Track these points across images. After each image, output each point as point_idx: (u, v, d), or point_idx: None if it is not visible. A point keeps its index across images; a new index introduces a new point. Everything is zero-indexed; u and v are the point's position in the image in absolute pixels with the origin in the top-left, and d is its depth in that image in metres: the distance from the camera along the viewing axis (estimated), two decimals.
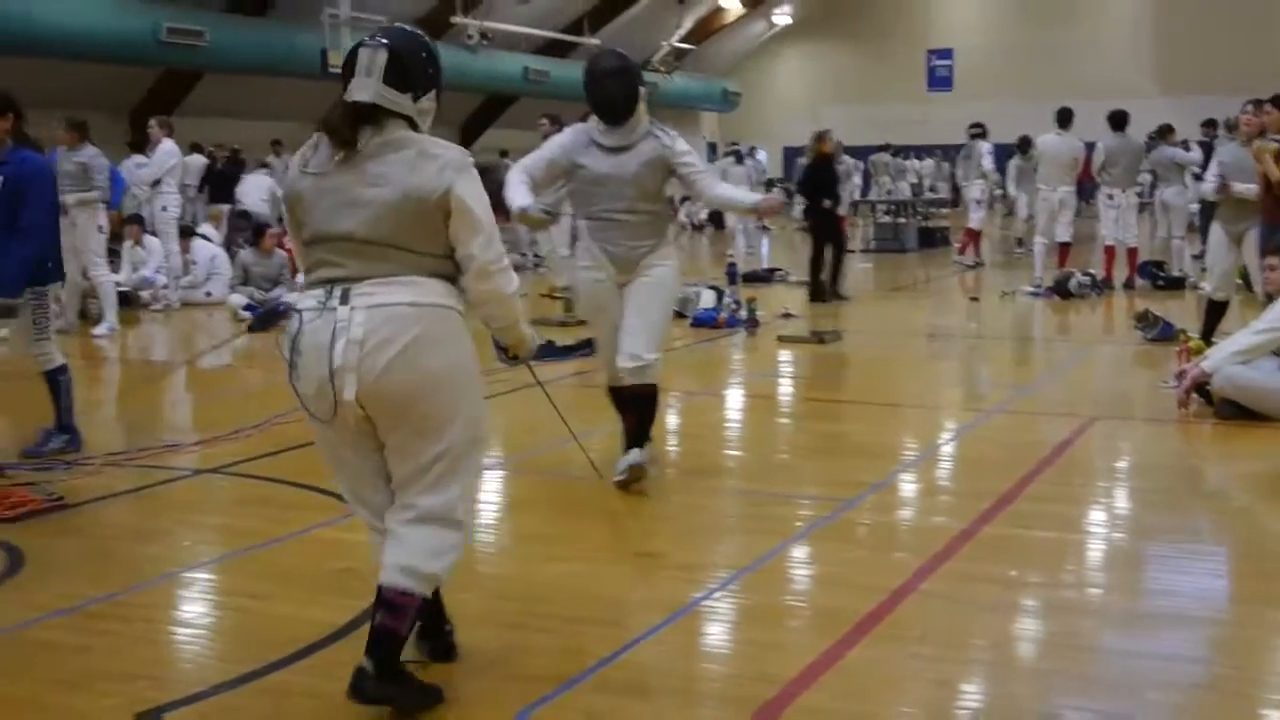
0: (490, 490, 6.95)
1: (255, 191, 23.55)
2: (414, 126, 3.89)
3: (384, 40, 3.89)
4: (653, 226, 6.62)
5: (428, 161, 3.79)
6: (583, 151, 6.56)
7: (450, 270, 3.88)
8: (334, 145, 3.82)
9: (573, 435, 6.56)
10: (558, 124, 14.96)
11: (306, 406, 3.86)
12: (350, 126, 3.80)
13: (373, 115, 3.81)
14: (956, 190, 33.39)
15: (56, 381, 7.52)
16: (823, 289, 15.31)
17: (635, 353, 6.48)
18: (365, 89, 3.81)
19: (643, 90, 6.59)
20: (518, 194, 6.50)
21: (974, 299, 15.74)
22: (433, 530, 3.90)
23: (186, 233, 15.95)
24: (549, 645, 4.47)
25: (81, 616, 4.86)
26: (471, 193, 3.82)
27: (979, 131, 20.13)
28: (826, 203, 15.55)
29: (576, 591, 5.06)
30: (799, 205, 31.70)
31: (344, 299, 3.74)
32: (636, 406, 6.67)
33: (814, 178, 15.95)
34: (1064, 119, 16.15)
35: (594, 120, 6.60)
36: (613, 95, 6.49)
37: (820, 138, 15.91)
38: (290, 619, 4.76)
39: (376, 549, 4.01)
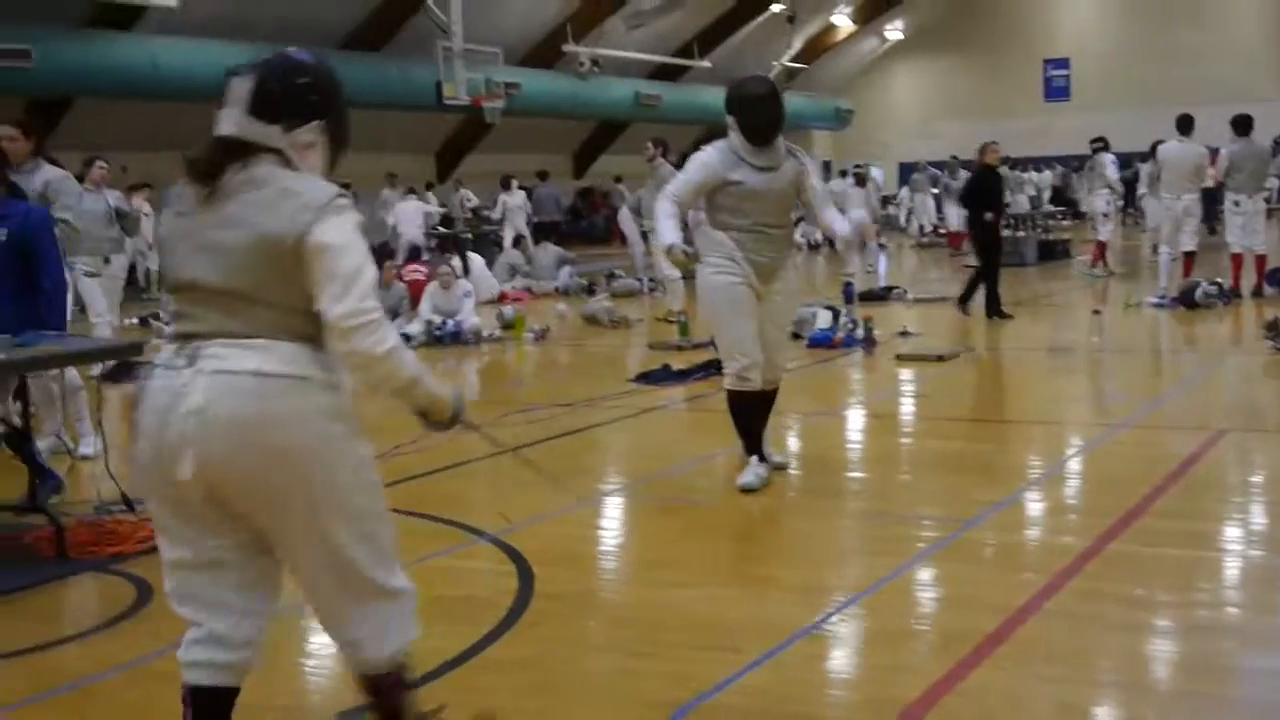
0: (611, 515, 6.98)
1: (414, 218, 23.99)
2: (288, 163, 3.36)
3: (253, 67, 3.46)
4: (789, 240, 7.25)
5: (286, 200, 3.26)
6: (733, 169, 6.83)
7: (318, 330, 3.29)
8: (192, 182, 3.35)
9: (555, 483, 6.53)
10: (663, 148, 14.99)
11: (140, 477, 3.38)
12: (211, 162, 3.32)
13: (241, 150, 3.33)
14: (1072, 203, 33.00)
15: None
16: (998, 302, 14.78)
17: (781, 364, 7.24)
18: (227, 120, 3.37)
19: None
20: (666, 230, 6.89)
21: (1096, 311, 15.44)
22: (362, 613, 3.44)
23: None
24: (664, 671, 4.44)
25: None
26: (332, 236, 3.23)
27: (1101, 145, 19.85)
28: (988, 216, 15.06)
29: (694, 616, 5.03)
30: (915, 220, 31.16)
31: (191, 360, 3.23)
32: (771, 403, 7.23)
33: (978, 189, 15.31)
34: (1185, 126, 15.77)
35: (735, 140, 6.88)
36: (766, 119, 6.85)
37: (985, 149, 15.37)
38: (411, 647, 4.77)
39: (200, 650, 3.44)
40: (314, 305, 3.24)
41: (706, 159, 6.92)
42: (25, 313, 6.84)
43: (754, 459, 7.06)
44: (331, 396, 3.32)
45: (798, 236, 25.15)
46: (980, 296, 14.89)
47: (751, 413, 7.08)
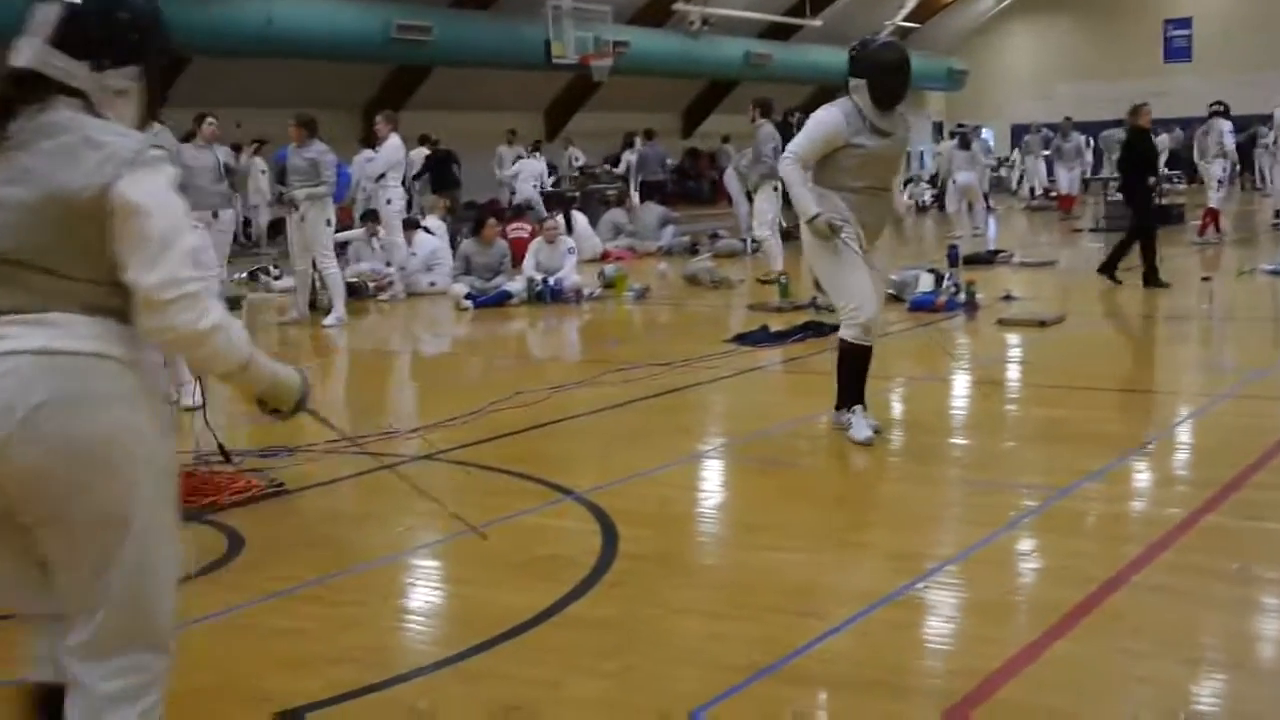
0: (704, 476, 6.98)
1: (530, 179, 24.13)
2: (93, 109, 2.86)
3: None
4: (893, 201, 7.36)
5: (90, 152, 2.75)
6: (858, 133, 6.91)
7: (121, 304, 2.79)
8: None
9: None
10: (764, 109, 14.87)
11: None
12: (3, 102, 2.80)
13: (37, 88, 2.81)
14: (1190, 166, 32.26)
15: None
16: (1156, 272, 14.08)
17: (881, 320, 7.41)
18: (24, 50, 2.83)
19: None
20: (807, 199, 6.98)
21: (1206, 278, 15.08)
22: (122, 663, 2.86)
23: (411, 225, 16.36)
24: (747, 634, 4.43)
25: (295, 600, 5.01)
26: (142, 194, 2.73)
27: (1220, 109, 19.38)
28: (1151, 180, 14.48)
29: (782, 580, 5.01)
30: (1026, 182, 30.74)
31: None
32: (869, 359, 7.26)
33: (1131, 153, 14.63)
34: None
35: (861, 101, 6.93)
36: (898, 87, 6.96)
37: (1136, 111, 14.58)
38: (493, 604, 4.82)
39: (42, 658, 3.01)
40: (119, 275, 2.76)
41: (833, 119, 6.96)
42: None
43: (860, 408, 7.15)
44: (136, 379, 2.83)
45: (905, 198, 24.91)
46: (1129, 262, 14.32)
47: (864, 365, 7.18)
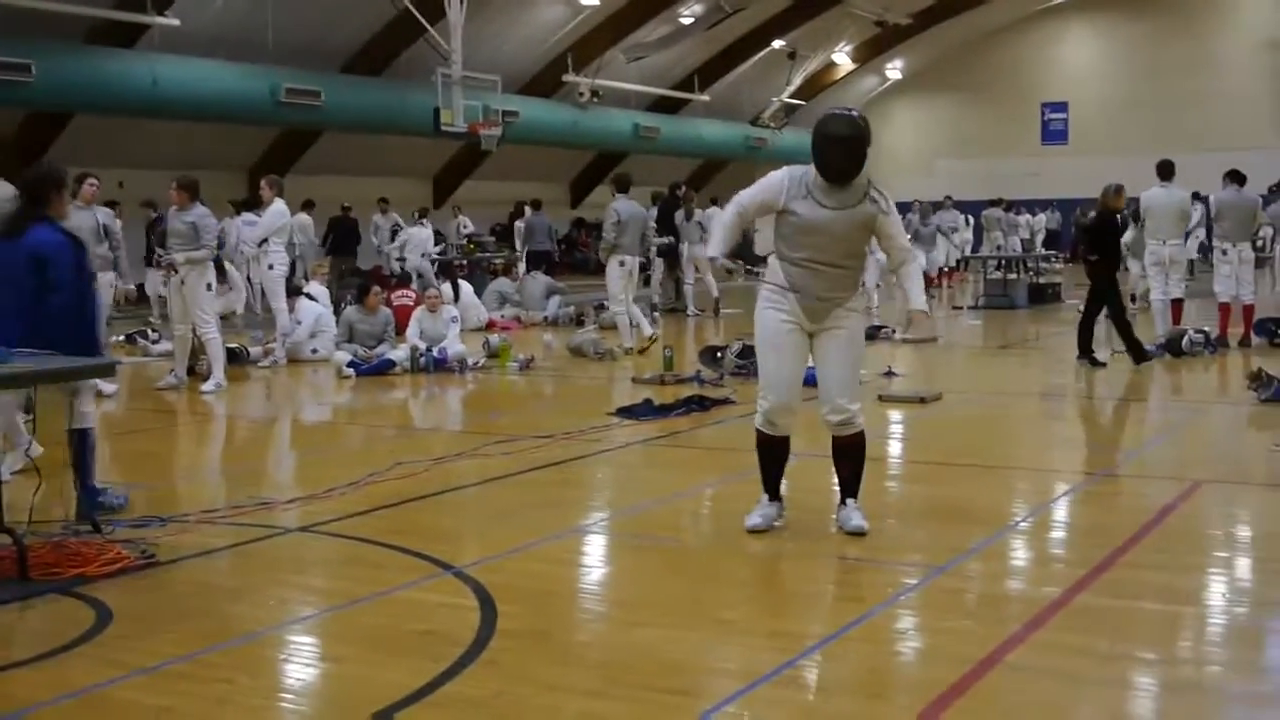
0: (587, 551, 6.96)
1: (419, 247, 24.01)
2: None
3: None
4: (851, 279, 6.74)
5: None
6: (797, 199, 6.56)
7: None
8: None
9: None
10: (623, 187, 15.81)
11: None
12: None
13: None
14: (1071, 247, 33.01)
15: (85, 441, 7.45)
16: (1139, 348, 14.09)
17: (842, 405, 6.70)
18: None
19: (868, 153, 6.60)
20: (716, 239, 6.81)
21: (1079, 357, 15.36)
22: None
23: (294, 291, 16.20)
24: (622, 713, 4.40)
25: (163, 676, 4.87)
26: None
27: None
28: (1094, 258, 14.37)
29: (659, 658, 4.98)
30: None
31: None
32: (850, 456, 6.88)
33: (1102, 235, 14.49)
34: (1165, 172, 15.61)
35: (811, 171, 6.58)
36: (838, 159, 6.50)
37: (1115, 192, 14.42)
38: (368, 682, 4.74)
39: None
40: None
41: (777, 180, 6.67)
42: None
43: (764, 498, 6.93)
44: None
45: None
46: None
47: (774, 457, 6.88)
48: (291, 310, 15.83)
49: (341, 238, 24.00)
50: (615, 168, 35.85)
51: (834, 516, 7.00)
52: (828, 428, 6.81)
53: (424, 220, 26.23)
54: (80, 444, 7.31)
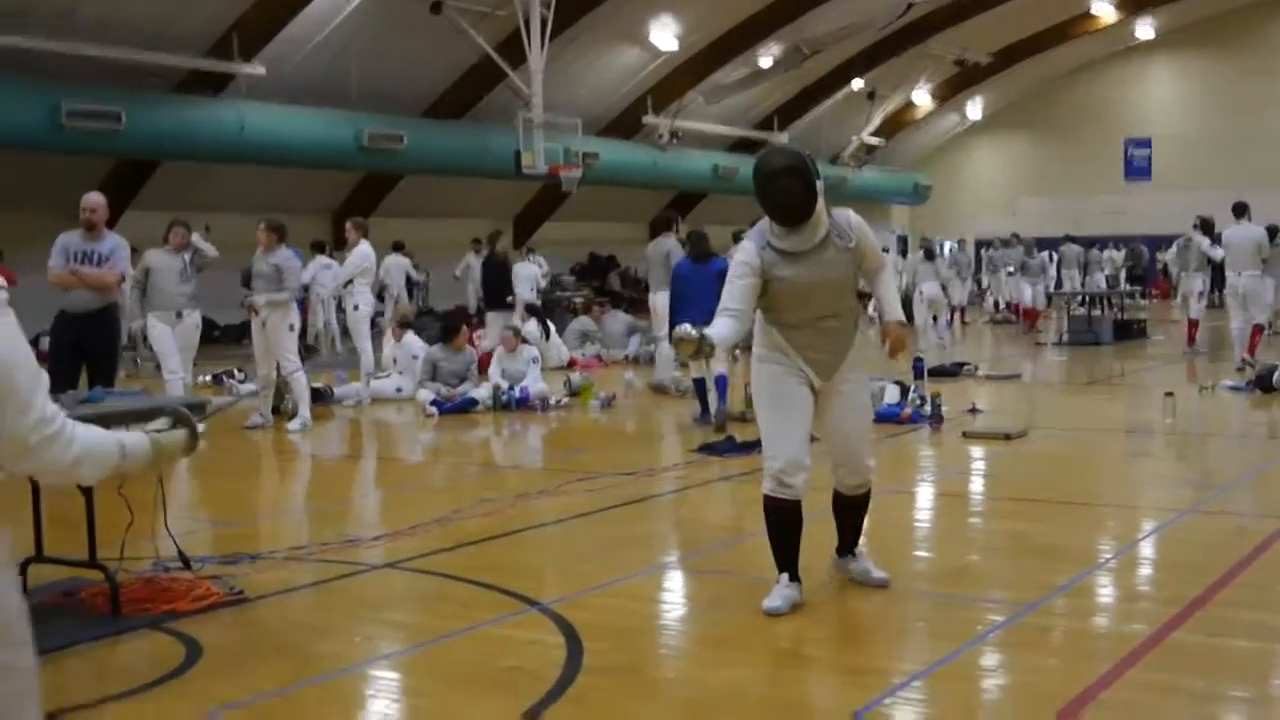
0: (670, 588, 6.95)
1: (527, 281, 24.22)
2: None
3: None
4: (851, 326, 6.19)
5: None
6: (773, 264, 5.95)
7: None
8: None
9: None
10: (665, 226, 15.52)
11: None
12: None
13: None
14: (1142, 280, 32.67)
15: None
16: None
17: (867, 465, 6.29)
18: None
19: (820, 185, 5.95)
20: (716, 325, 5.95)
21: (1169, 394, 15.15)
22: None
23: (404, 324, 16.34)
24: None
25: (254, 711, 4.92)
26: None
27: (1199, 223, 19.76)
28: None
29: (745, 696, 4.96)
30: (990, 296, 31.06)
31: None
32: (860, 508, 6.47)
33: None
34: (1240, 211, 17.02)
35: (766, 221, 6.03)
36: (778, 196, 5.92)
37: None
38: (455, 717, 4.76)
39: None
40: None
41: (746, 258, 5.99)
42: None
43: (784, 578, 6.15)
44: None
45: (871, 310, 25.28)
46: None
47: (789, 526, 6.12)
48: (398, 342, 15.94)
49: (498, 281, 23.52)
50: (694, 208, 36.03)
51: (831, 567, 6.58)
52: (842, 489, 6.37)
53: (531, 256, 26.39)
54: None
